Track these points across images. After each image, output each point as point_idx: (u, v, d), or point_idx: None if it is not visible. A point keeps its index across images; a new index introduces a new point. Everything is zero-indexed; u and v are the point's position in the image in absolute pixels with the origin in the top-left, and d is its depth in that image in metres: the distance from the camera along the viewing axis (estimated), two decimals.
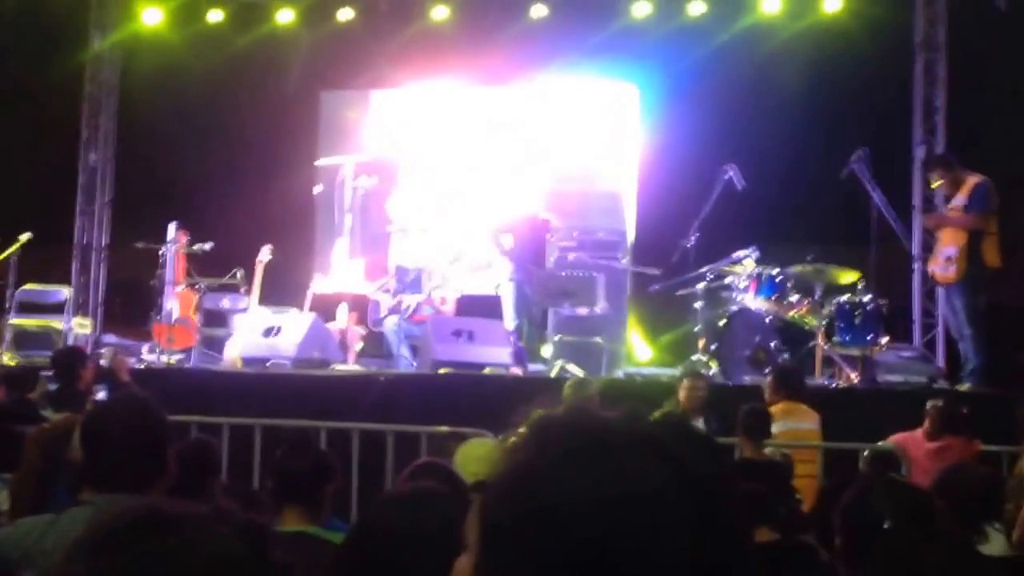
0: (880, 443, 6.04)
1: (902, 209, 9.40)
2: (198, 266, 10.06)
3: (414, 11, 11.39)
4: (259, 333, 8.90)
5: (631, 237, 10.63)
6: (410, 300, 9.26)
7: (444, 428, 5.66)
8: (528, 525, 0.86)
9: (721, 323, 8.29)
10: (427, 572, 1.63)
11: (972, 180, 7.85)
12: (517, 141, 11.52)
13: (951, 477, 3.45)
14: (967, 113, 10.30)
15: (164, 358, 9.31)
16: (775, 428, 5.92)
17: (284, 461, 3.33)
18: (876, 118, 10.17)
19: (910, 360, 8.99)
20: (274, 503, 3.27)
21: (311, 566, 2.14)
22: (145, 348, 9.90)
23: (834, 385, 8.03)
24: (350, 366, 9.11)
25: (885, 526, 2.37)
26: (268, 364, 8.58)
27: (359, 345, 9.61)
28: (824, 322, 8.14)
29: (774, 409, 6.14)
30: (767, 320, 8.13)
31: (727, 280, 8.52)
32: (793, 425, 6.24)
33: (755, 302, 8.21)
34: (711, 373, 7.77)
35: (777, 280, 8.19)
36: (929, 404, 6.00)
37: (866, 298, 8.01)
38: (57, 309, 10.44)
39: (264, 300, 9.70)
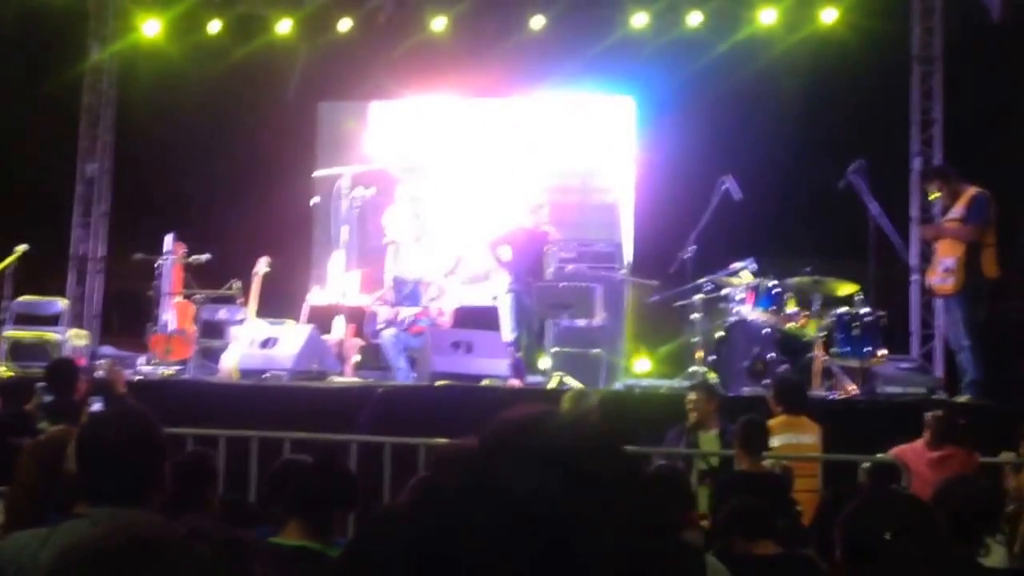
0: (880, 455, 6.03)
1: (900, 221, 9.41)
2: (195, 277, 10.04)
3: (413, 23, 11.41)
4: (256, 345, 8.88)
5: (629, 248, 10.63)
6: (408, 312, 9.25)
7: (442, 440, 5.63)
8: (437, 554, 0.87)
9: (719, 334, 8.28)
10: None
11: (970, 191, 7.85)
12: (515, 153, 11.54)
13: (951, 489, 3.43)
14: (964, 124, 10.32)
15: (161, 370, 9.28)
16: (775, 441, 5.90)
17: (304, 475, 3.25)
18: (873, 130, 10.19)
19: (909, 372, 8.98)
20: (281, 512, 3.20)
21: None
22: (142, 360, 9.87)
23: (833, 397, 8.01)
24: (347, 378, 9.08)
25: (886, 539, 2.35)
26: (265, 376, 8.55)
27: (356, 357, 9.59)
28: (823, 334, 8.13)
29: (774, 422, 6.12)
30: (765, 331, 8.12)
31: (725, 291, 8.52)
32: (794, 439, 6.22)
33: (753, 313, 8.20)
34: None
35: (775, 292, 8.19)
36: (928, 415, 5.99)
37: (864, 310, 8.01)
38: (53, 321, 10.41)
39: (261, 312, 9.68)
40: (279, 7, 11.58)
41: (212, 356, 9.73)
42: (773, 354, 7.98)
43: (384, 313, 9.41)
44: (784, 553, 3.53)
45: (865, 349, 7.96)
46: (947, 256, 7.84)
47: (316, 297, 10.32)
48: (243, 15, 11.60)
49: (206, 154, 11.32)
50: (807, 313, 8.16)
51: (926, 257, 9.07)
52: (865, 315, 7.96)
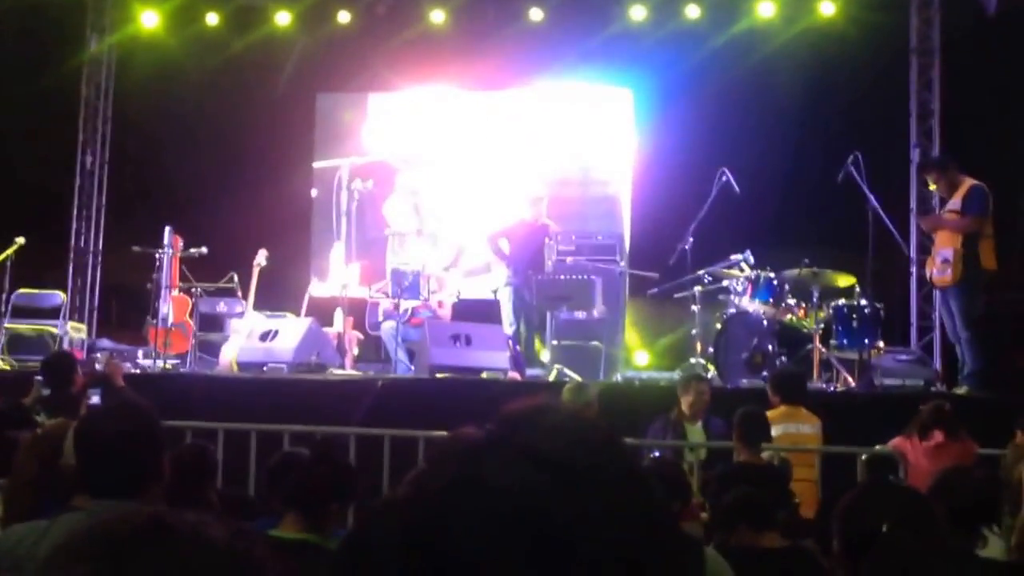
0: (878, 447, 6.03)
1: (899, 212, 9.40)
2: (194, 270, 10.03)
3: (411, 15, 11.39)
4: (255, 337, 8.88)
5: (627, 240, 10.63)
6: (407, 304, 9.24)
7: (441, 433, 5.64)
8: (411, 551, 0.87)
9: (718, 326, 8.29)
10: None
11: (968, 183, 7.85)
12: (514, 145, 11.52)
13: (949, 481, 3.43)
14: (962, 116, 10.32)
15: (159, 363, 9.28)
16: (774, 431, 5.91)
17: (302, 467, 3.24)
18: (872, 121, 10.19)
19: (908, 363, 8.98)
20: (280, 506, 3.19)
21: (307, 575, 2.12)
22: (140, 353, 9.88)
23: (832, 389, 8.02)
24: (347, 370, 9.08)
25: (883, 530, 2.35)
26: (264, 368, 8.56)
27: (356, 349, 9.59)
28: (821, 326, 8.14)
29: (773, 413, 6.12)
30: (764, 323, 8.12)
31: (724, 283, 8.52)
32: (793, 429, 6.23)
33: (752, 305, 8.20)
34: (709, 376, 7.76)
35: (774, 283, 8.20)
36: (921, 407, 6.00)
37: (863, 301, 8.01)
38: (52, 313, 10.40)
39: (260, 304, 9.68)
40: None
41: (211, 349, 9.73)
42: (772, 346, 7.99)
43: (384, 305, 9.41)
44: (788, 546, 3.53)
45: (864, 341, 7.96)
46: (945, 247, 7.84)
47: (315, 289, 10.32)
48: (242, 7, 11.58)
49: (205, 146, 11.31)
50: (806, 305, 8.17)
51: (925, 248, 9.07)
52: (864, 307, 7.96)
